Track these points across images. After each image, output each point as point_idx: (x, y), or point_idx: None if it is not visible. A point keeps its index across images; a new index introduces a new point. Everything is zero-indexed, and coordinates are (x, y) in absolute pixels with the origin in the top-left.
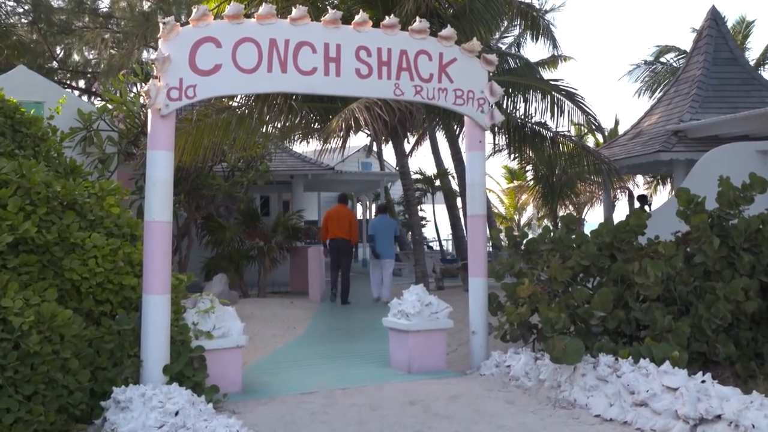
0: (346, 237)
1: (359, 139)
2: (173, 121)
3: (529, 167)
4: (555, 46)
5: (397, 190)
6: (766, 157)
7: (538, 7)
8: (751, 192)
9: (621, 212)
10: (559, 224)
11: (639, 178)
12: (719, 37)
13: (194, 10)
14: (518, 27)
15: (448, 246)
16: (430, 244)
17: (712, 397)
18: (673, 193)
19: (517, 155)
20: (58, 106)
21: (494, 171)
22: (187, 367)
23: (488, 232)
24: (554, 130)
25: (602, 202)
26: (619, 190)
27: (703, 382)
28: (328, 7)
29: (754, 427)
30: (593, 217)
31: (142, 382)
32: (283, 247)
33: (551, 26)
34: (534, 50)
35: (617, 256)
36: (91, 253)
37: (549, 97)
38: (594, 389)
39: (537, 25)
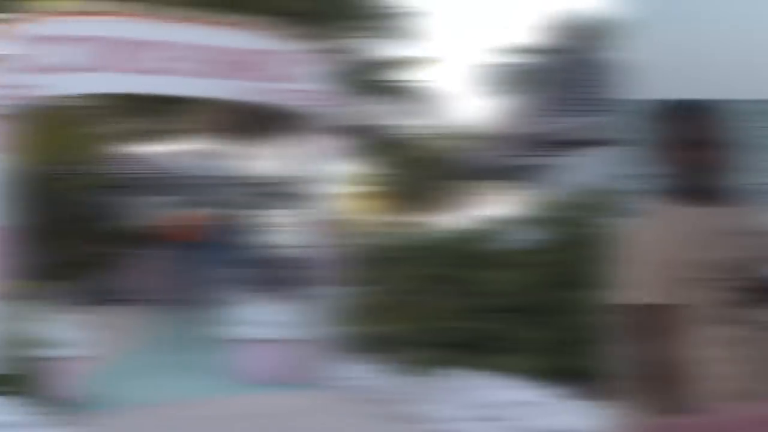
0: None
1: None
2: (13, 121)
3: (380, 171)
4: (419, 46)
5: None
6: None
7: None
8: None
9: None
10: (411, 231)
11: None
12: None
13: (33, 7)
14: (375, 27)
15: None
16: None
17: (566, 411)
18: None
19: (365, 159)
20: None
21: (343, 176)
22: (23, 377)
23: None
24: (408, 132)
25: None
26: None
27: (556, 396)
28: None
29: None
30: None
31: None
32: (133, 253)
33: (417, 27)
34: (401, 51)
35: (470, 263)
36: None
37: (406, 98)
38: (444, 402)
39: (398, 26)
